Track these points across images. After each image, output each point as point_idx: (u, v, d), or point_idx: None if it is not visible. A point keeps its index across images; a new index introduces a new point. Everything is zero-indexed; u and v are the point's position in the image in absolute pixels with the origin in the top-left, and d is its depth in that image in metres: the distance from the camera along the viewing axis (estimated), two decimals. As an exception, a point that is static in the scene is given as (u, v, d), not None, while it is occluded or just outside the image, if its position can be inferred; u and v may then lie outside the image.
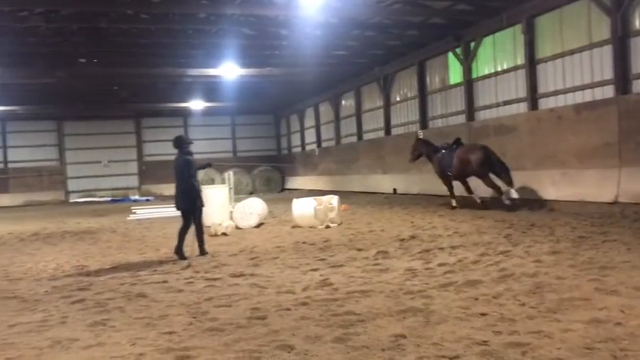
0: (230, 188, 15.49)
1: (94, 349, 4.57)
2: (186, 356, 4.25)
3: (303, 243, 10.38)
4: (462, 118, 19.71)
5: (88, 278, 7.98)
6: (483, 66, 18.68)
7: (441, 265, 7.41)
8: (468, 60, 19.13)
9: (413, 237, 10.22)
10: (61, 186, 35.38)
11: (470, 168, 14.34)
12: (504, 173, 13.88)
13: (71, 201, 33.93)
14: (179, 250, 9.43)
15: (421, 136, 17.97)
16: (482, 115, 18.81)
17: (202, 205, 9.83)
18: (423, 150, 16.26)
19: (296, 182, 36.54)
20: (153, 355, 4.32)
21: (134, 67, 22.29)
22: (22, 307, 6.29)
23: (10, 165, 35.29)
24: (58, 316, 5.78)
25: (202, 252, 9.63)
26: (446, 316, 4.94)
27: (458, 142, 15.29)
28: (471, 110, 19.21)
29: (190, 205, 9.63)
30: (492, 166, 13.98)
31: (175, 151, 10.04)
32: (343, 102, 30.49)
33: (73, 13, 15.84)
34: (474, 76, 19.05)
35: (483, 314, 4.93)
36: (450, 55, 20.25)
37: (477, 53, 18.78)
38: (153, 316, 5.55)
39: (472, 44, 18.88)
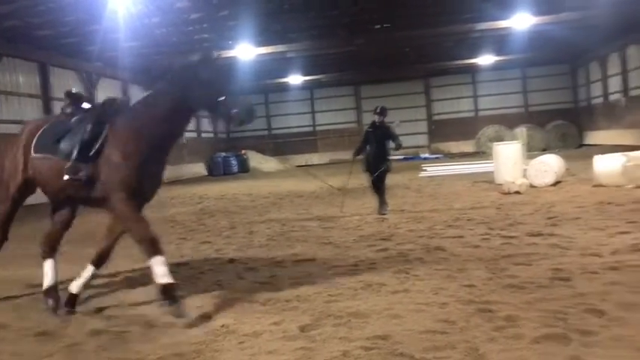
0: (522, 145, 14.88)
1: (400, 294, 4.98)
2: (488, 310, 4.33)
3: (609, 204, 9.48)
4: None
5: (388, 230, 8.62)
6: None
7: None
8: None
9: None
10: (359, 145, 38.50)
11: None
12: None
13: (368, 159, 36.68)
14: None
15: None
16: None
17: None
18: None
19: (596, 137, 33.20)
20: (455, 306, 4.51)
21: (423, 28, 22.71)
22: (337, 252, 7.13)
23: (317, 128, 39.71)
24: (366, 262, 6.42)
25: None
26: None
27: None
28: None
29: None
30: None
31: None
32: (658, 43, 26.37)
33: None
34: None
35: None
36: None
37: None
38: (452, 269, 5.76)
39: None
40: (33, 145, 5.26)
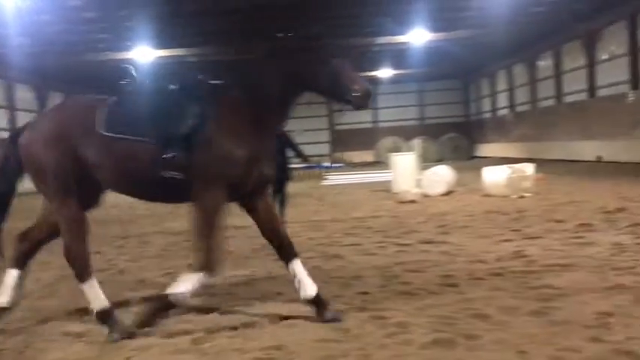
0: (417, 156, 15.48)
1: (297, 303, 4.93)
2: (381, 316, 4.42)
3: (495, 212, 10.05)
4: (684, 76, 17.31)
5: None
6: None
7: (655, 240, 6.69)
8: (694, 8, 16.63)
9: (621, 209, 9.32)
10: (261, 153, 38.42)
11: None
12: None
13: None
14: None
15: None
16: None
17: None
18: None
19: (486, 149, 35.26)
20: (350, 313, 4.56)
21: (326, 39, 23.08)
22: (234, 262, 7.01)
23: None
24: (264, 271, 6.36)
25: None
26: (661, 297, 4.48)
27: None
28: (696, 66, 16.78)
29: None
30: None
31: None
32: (540, 63, 28.49)
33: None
34: (702, 26, 16.53)
35: None
36: (671, 3, 17.79)
37: None
38: (348, 277, 5.84)
39: (700, -11, 16.36)
40: (104, 121, 4.26)
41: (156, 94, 4.49)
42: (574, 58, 24.86)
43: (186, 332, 4.31)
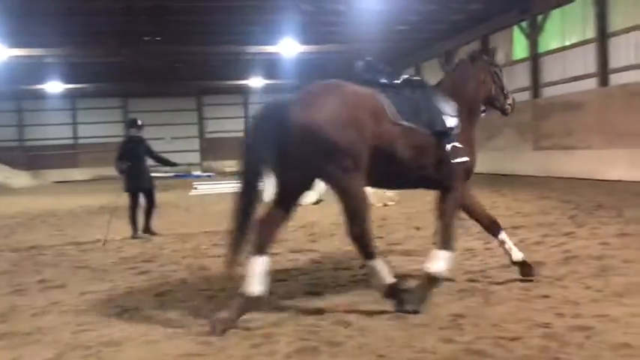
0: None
1: (158, 318, 4.74)
2: (247, 328, 4.36)
3: (361, 220, 10.36)
4: (526, 95, 19.14)
5: (152, 251, 8.27)
6: (551, 40, 18.03)
7: (501, 245, 7.25)
8: (534, 34, 18.47)
9: (473, 216, 10.04)
10: (127, 161, 36.74)
11: None
12: None
13: (136, 176, 35.17)
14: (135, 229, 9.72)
15: None
16: (548, 92, 18.19)
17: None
18: None
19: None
20: (215, 326, 4.44)
21: (194, 45, 22.70)
22: (92, 277, 6.60)
23: (79, 141, 36.90)
24: (124, 286, 6.03)
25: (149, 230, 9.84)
26: (506, 297, 4.86)
27: None
28: (536, 87, 18.62)
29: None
30: None
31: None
32: (403, 79, 30.11)
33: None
34: (541, 50, 18.41)
35: (546, 296, 4.82)
36: (515, 29, 19.63)
37: (544, 27, 18.10)
38: (214, 289, 5.70)
39: (539, 17, 18.21)
40: (395, 111, 4.58)
41: (413, 88, 4.93)
42: (434, 75, 26.56)
43: (35, 354, 3.96)
